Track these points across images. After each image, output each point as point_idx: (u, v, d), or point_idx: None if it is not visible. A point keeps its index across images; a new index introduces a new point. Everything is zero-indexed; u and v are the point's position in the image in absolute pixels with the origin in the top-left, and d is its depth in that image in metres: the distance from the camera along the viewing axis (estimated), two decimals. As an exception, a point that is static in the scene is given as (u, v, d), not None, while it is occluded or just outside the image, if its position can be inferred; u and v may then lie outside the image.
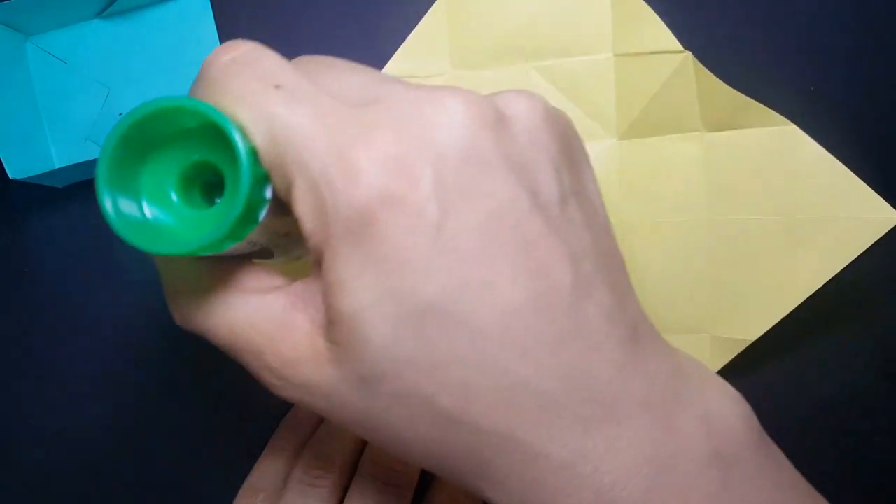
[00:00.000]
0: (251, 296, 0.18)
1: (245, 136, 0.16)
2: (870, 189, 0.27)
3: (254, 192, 0.16)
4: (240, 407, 0.31)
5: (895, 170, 0.29)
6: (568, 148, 0.19)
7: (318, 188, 0.16)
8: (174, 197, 0.18)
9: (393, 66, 0.30)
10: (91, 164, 0.29)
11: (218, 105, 0.16)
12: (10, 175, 0.28)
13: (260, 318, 0.18)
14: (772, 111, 0.27)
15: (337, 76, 0.18)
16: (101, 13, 0.31)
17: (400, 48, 0.30)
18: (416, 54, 0.30)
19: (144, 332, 0.31)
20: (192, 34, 0.31)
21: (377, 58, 0.30)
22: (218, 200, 0.18)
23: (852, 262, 0.27)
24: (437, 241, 0.16)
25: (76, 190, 0.32)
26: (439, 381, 0.16)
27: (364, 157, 0.16)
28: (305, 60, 0.19)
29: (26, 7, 0.29)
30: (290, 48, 0.32)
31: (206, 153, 0.17)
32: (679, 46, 0.28)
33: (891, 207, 0.27)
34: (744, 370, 0.29)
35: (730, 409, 0.18)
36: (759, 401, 0.20)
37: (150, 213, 0.17)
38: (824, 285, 0.27)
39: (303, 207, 0.16)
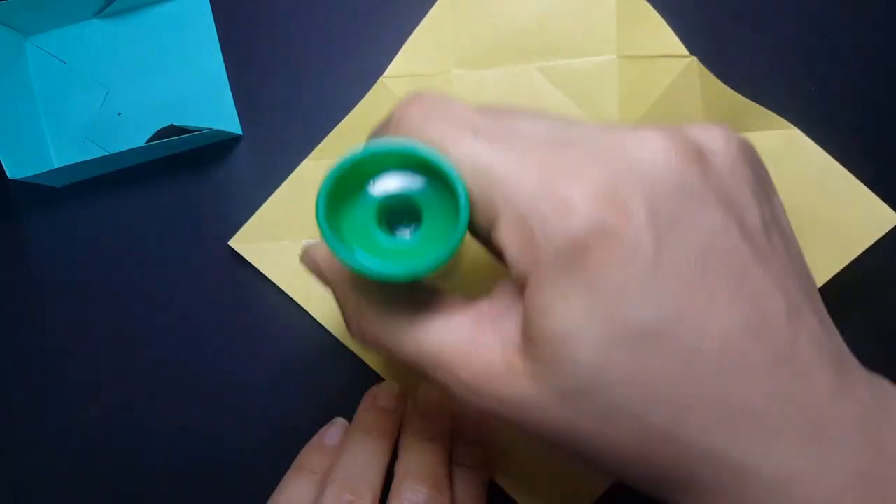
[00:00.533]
0: (436, 315, 0.19)
1: (462, 179, 0.18)
2: (869, 191, 0.27)
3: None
4: (243, 408, 0.31)
5: (895, 170, 0.29)
6: (761, 178, 0.20)
7: (525, 221, 0.17)
8: (377, 231, 0.19)
9: (396, 65, 0.30)
10: (90, 164, 0.29)
11: (434, 151, 0.18)
12: (9, 175, 0.28)
13: (447, 336, 0.19)
14: (774, 114, 0.27)
15: (524, 120, 0.19)
16: (100, 13, 0.31)
17: (403, 47, 0.30)
18: (418, 53, 0.30)
19: (144, 331, 0.31)
20: (191, 33, 0.31)
21: (379, 57, 0.30)
22: (404, 231, 0.19)
23: (852, 263, 0.27)
24: (654, 272, 0.16)
25: (75, 190, 0.31)
26: (651, 399, 0.17)
27: (576, 191, 0.16)
28: (489, 107, 0.20)
29: (25, 7, 0.29)
30: (289, 47, 0.32)
31: (407, 188, 0.18)
32: (685, 51, 0.28)
33: (889, 209, 0.27)
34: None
35: None
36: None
37: (355, 241, 0.19)
38: (824, 285, 0.27)
39: (508, 239, 0.17)
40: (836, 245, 0.27)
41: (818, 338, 0.18)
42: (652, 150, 0.17)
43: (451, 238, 0.18)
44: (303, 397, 0.31)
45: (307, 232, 0.30)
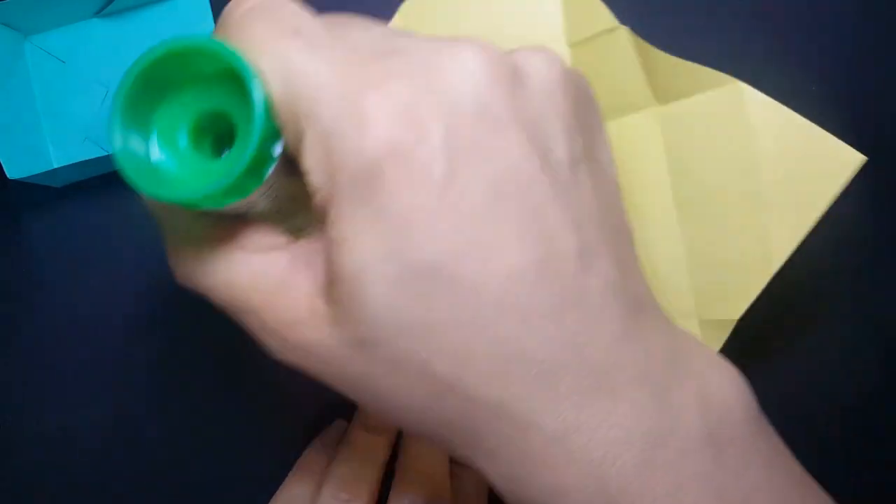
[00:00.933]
0: (252, 255, 0.18)
1: (261, 84, 0.16)
2: (829, 134, 0.25)
3: (263, 146, 0.16)
4: (243, 409, 0.31)
5: None
6: (583, 112, 0.19)
7: (327, 139, 0.16)
8: (183, 143, 0.17)
9: None
10: (90, 164, 0.29)
11: (237, 50, 0.16)
12: (9, 175, 0.28)
13: (260, 277, 0.18)
14: (716, 72, 0.26)
15: (356, 29, 0.18)
16: (100, 12, 0.31)
17: None
18: None
19: (144, 331, 0.31)
20: (191, 33, 0.31)
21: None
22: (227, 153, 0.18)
23: (850, 260, 0.27)
24: (443, 200, 0.15)
25: (74, 190, 0.31)
26: (435, 346, 0.16)
27: (375, 106, 0.15)
28: (327, 17, 0.18)
29: (25, 6, 0.29)
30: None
31: (221, 101, 0.17)
32: (615, 22, 0.27)
33: (853, 149, 0.25)
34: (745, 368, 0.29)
35: (728, 388, 0.18)
36: (761, 397, 0.20)
37: (158, 157, 0.17)
38: (822, 278, 0.27)
39: (311, 160, 0.16)
40: (805, 197, 0.25)
41: (612, 283, 0.17)
42: (462, 68, 0.16)
43: (240, 158, 0.16)
44: (304, 398, 0.31)
45: None
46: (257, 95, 0.16)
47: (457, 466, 0.28)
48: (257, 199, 0.18)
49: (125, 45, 0.31)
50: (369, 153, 0.15)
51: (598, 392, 0.16)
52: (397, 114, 0.15)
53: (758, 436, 0.18)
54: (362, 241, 0.16)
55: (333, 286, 0.16)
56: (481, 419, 0.16)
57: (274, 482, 0.29)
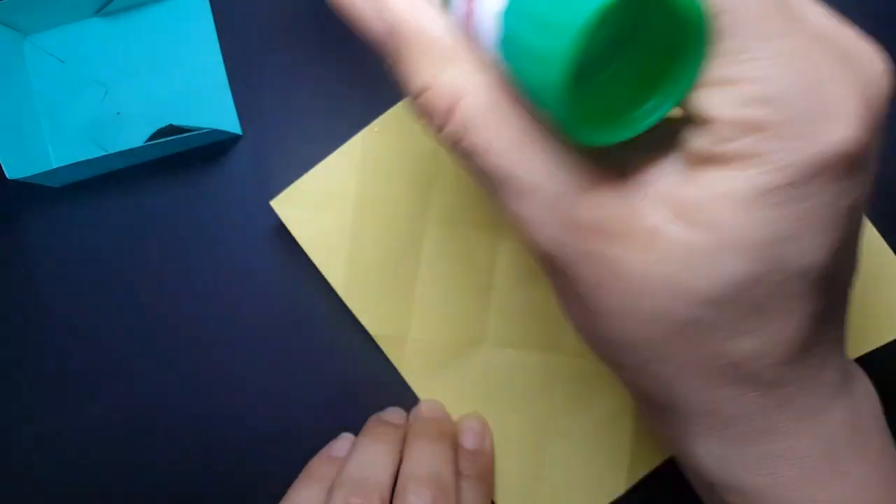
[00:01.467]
0: (574, 149, 0.17)
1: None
2: None
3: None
4: (244, 409, 0.31)
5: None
6: None
7: (779, 112, 0.15)
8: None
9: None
10: (90, 164, 0.29)
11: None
12: (8, 175, 0.28)
13: (589, 174, 0.17)
14: None
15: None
16: (99, 12, 0.31)
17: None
18: None
19: (143, 332, 0.31)
20: (191, 32, 0.31)
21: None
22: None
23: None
24: (835, 219, 0.16)
25: (73, 190, 0.31)
26: (713, 338, 0.17)
27: (843, 106, 0.15)
28: None
29: (24, 6, 0.29)
30: (289, 46, 0.32)
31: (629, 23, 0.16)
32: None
33: None
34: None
35: (874, 397, 0.21)
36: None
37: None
38: None
39: (735, 113, 0.16)
40: (869, 327, 0.27)
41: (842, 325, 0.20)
42: (886, 74, 0.16)
43: (678, 89, 0.15)
44: (310, 408, 0.31)
45: (352, 205, 0.30)
46: (705, 28, 0.15)
47: (461, 478, 0.28)
48: None
49: (125, 44, 0.31)
50: (830, 152, 0.15)
51: (814, 406, 0.19)
52: (860, 120, 0.16)
53: (888, 436, 0.21)
54: (773, 226, 0.16)
55: (693, 229, 0.16)
56: (700, 416, 0.19)
57: (276, 490, 0.29)
